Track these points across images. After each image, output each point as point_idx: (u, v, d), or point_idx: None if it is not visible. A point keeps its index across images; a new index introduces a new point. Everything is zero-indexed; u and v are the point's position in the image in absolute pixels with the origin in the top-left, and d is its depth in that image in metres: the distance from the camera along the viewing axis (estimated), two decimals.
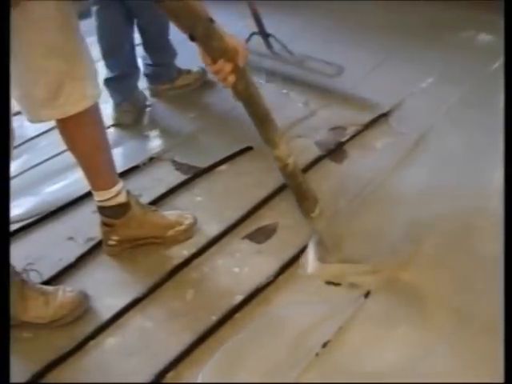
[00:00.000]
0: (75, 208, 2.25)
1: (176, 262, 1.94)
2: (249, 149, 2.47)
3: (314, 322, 1.69)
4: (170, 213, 2.08)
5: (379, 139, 2.46)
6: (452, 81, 2.79)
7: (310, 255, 1.90)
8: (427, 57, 3.03)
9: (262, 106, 1.66)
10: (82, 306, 1.79)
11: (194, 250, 1.97)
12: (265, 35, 3.13)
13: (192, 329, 1.70)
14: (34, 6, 1.52)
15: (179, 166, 2.41)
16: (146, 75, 2.95)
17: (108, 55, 2.70)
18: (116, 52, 2.70)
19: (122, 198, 1.94)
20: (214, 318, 1.72)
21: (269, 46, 3.13)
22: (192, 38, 1.46)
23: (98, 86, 1.80)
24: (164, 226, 2.02)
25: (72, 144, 1.84)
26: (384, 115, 2.59)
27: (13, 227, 2.10)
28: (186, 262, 1.94)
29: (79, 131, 1.80)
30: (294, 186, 1.80)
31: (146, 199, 2.19)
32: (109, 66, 2.71)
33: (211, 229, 2.06)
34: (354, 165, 2.35)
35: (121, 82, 2.73)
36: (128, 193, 1.97)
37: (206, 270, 1.91)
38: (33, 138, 2.72)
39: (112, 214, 1.95)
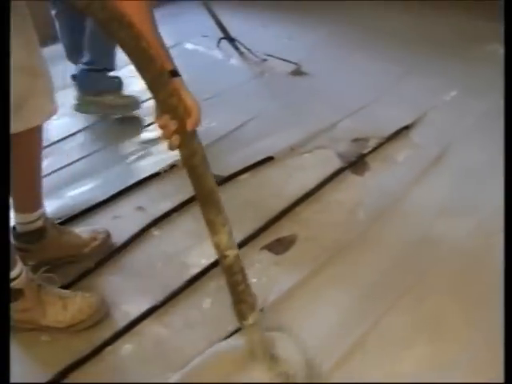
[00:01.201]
0: (95, 213, 2.26)
1: (194, 270, 1.94)
2: (270, 159, 2.48)
3: (328, 338, 1.68)
4: (83, 229, 2.08)
5: (401, 152, 2.46)
6: (475, 94, 2.79)
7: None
8: (451, 69, 3.03)
9: (208, 183, 1.45)
10: (101, 312, 1.80)
11: (212, 259, 1.97)
12: (230, 39, 3.43)
13: (208, 338, 1.70)
14: None
15: None
16: (74, 77, 2.87)
17: (71, 53, 2.81)
18: (79, 48, 2.76)
19: (40, 223, 1.93)
20: (230, 328, 1.73)
21: (236, 48, 3.43)
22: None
23: (55, 103, 1.78)
24: (80, 245, 2.02)
25: (17, 159, 1.75)
26: (406, 128, 2.58)
27: None
28: (204, 271, 1.94)
29: (28, 147, 1.79)
30: (230, 283, 1.53)
31: (165, 206, 2.20)
32: (74, 62, 2.82)
33: None
34: (375, 177, 2.35)
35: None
36: (45, 217, 1.96)
37: (223, 280, 1.91)
38: (56, 142, 2.75)
39: (29, 239, 1.94)
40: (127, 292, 1.90)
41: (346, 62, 3.21)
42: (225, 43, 3.47)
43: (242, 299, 1.52)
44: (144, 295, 1.86)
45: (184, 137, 1.32)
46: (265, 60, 3.30)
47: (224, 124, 2.73)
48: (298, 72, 3.15)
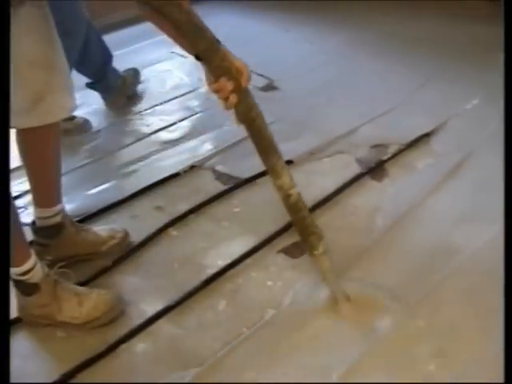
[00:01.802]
0: (114, 212, 2.28)
1: (211, 271, 1.95)
2: (289, 162, 2.48)
3: (337, 347, 1.68)
4: (102, 228, 2.10)
5: (420, 159, 2.44)
6: (497, 103, 2.76)
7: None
8: (472, 77, 3.01)
9: (266, 133, 1.61)
10: (116, 310, 1.82)
11: (228, 260, 1.98)
12: None
13: (222, 339, 1.71)
14: (19, 19, 1.55)
15: (219, 176, 2.44)
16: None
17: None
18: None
19: (59, 218, 1.96)
20: (245, 330, 1.73)
21: None
22: (198, 58, 1.48)
23: (75, 99, 1.81)
24: (97, 243, 2.04)
25: (34, 155, 1.85)
26: (426, 135, 2.57)
27: None
28: (221, 273, 1.95)
29: (44, 143, 1.83)
30: (296, 220, 1.69)
31: (183, 207, 2.22)
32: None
33: (247, 240, 2.07)
34: (394, 184, 2.33)
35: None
36: (64, 213, 1.99)
37: (239, 282, 1.92)
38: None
39: (47, 234, 1.96)
40: (143, 291, 1.91)
41: (366, 67, 3.20)
42: None
43: (310, 232, 1.69)
44: (160, 295, 1.88)
45: (240, 94, 1.50)
46: None
47: None
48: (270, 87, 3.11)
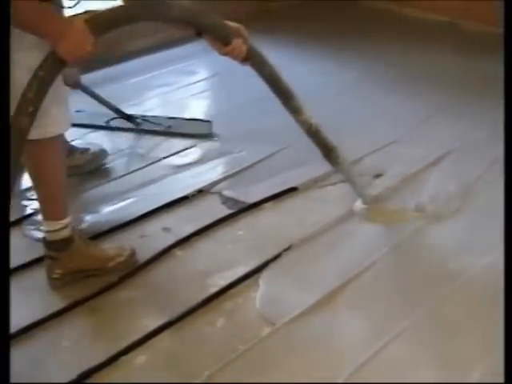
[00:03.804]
0: (124, 231, 2.37)
1: (212, 290, 2.03)
2: (294, 189, 2.57)
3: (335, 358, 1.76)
4: (109, 246, 2.19)
5: (422, 189, 2.53)
6: (501, 137, 2.83)
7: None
8: (479, 111, 3.10)
9: (283, 81, 2.09)
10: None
11: (230, 281, 2.07)
12: (127, 117, 3.11)
13: (219, 355, 1.79)
14: (26, 34, 1.65)
15: (226, 200, 2.52)
16: None
17: None
18: None
19: (67, 232, 2.04)
20: (241, 347, 1.81)
21: (135, 123, 3.10)
22: (199, 34, 1.89)
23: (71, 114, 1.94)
24: (105, 259, 2.12)
25: (39, 167, 1.94)
26: (429, 166, 2.66)
27: None
28: (222, 291, 2.03)
29: (49, 156, 1.92)
30: (319, 142, 2.20)
31: (190, 229, 2.31)
32: None
33: (249, 262, 2.16)
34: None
35: None
36: (73, 227, 2.07)
37: (239, 301, 2.00)
38: None
39: (57, 247, 2.04)
40: (146, 306, 2.00)
41: (376, 99, 3.30)
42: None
43: (330, 148, 2.21)
44: (162, 310, 1.96)
45: (249, 46, 1.95)
46: (170, 126, 3.07)
47: (254, 153, 2.83)
48: None
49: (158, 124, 3.10)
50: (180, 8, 1.79)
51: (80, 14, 1.75)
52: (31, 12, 1.59)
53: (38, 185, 2.00)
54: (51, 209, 2.01)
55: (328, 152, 2.22)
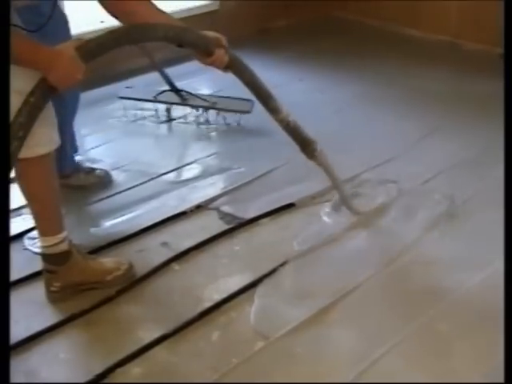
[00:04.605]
0: (123, 245, 2.40)
1: (207, 304, 2.07)
2: (291, 205, 2.61)
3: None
4: (108, 260, 2.23)
5: (416, 205, 2.58)
6: (497, 156, 2.86)
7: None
8: (476, 130, 3.15)
9: (262, 84, 2.15)
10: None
11: (225, 295, 2.10)
12: (176, 90, 3.35)
13: (213, 368, 1.83)
14: None
15: (223, 216, 2.56)
16: None
17: None
18: None
19: (65, 246, 2.07)
20: (235, 361, 1.85)
21: (182, 98, 3.35)
22: (180, 46, 1.96)
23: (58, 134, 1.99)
24: (103, 272, 2.15)
25: (30, 185, 1.98)
26: (423, 183, 2.71)
27: None
28: (217, 306, 2.07)
29: (39, 174, 1.96)
30: (297, 137, 2.27)
31: (187, 244, 2.35)
32: None
33: (244, 277, 2.20)
34: (391, 227, 2.47)
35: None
36: (70, 241, 2.10)
37: (233, 315, 2.04)
38: None
39: (55, 260, 2.07)
40: (143, 319, 2.04)
41: (373, 117, 3.35)
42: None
43: (308, 142, 2.28)
44: (157, 323, 2.00)
45: (229, 54, 2.01)
46: (215, 103, 3.31)
47: (251, 170, 2.88)
48: None
49: (204, 100, 3.33)
50: (164, 29, 1.88)
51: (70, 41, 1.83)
52: (19, 46, 1.63)
53: (30, 202, 2.04)
54: (46, 224, 2.05)
55: (305, 146, 2.29)
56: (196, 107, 3.33)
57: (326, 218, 2.53)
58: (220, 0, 4.31)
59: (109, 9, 1.93)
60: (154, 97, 3.36)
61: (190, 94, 3.35)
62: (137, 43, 2.11)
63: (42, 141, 1.89)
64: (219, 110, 3.30)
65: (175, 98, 3.35)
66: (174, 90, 3.34)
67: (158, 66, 3.32)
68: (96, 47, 1.80)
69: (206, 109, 3.31)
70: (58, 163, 2.11)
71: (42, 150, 1.92)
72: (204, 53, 1.98)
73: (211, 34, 1.99)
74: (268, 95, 2.19)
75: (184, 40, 1.94)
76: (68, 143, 2.66)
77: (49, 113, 1.91)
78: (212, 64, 2.01)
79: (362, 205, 2.56)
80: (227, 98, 3.32)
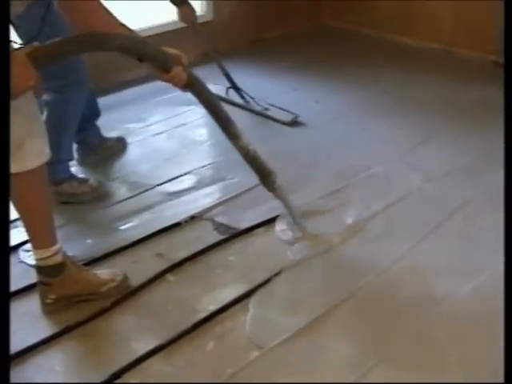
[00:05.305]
0: (118, 256, 2.41)
1: (202, 315, 2.08)
2: (277, 217, 2.62)
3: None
4: (102, 271, 2.23)
5: (408, 213, 2.60)
6: (490, 165, 2.89)
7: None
8: (471, 138, 3.19)
9: (220, 107, 2.13)
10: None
11: (219, 305, 2.11)
12: (236, 89, 3.63)
13: (208, 378, 1.84)
14: None
15: (218, 226, 2.57)
16: None
17: None
18: None
19: (59, 258, 2.08)
20: (230, 371, 1.86)
21: (241, 96, 3.62)
22: (140, 60, 1.88)
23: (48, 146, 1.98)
24: (98, 284, 2.16)
25: (21, 199, 1.98)
26: (415, 191, 2.73)
27: None
28: (211, 316, 2.08)
29: (30, 187, 1.96)
30: (256, 168, 2.26)
31: (182, 254, 2.36)
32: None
33: (239, 287, 2.21)
34: (383, 235, 2.48)
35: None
36: (64, 253, 2.11)
37: (228, 325, 2.05)
38: None
39: (49, 273, 2.08)
40: (138, 330, 2.05)
41: (368, 126, 3.37)
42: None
43: (267, 174, 2.27)
44: (153, 334, 2.01)
45: (188, 72, 1.95)
46: (267, 109, 3.52)
47: (245, 180, 2.88)
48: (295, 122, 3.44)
49: (259, 105, 3.57)
50: (121, 39, 1.80)
51: (22, 47, 1.76)
52: None
53: (22, 216, 2.04)
54: (38, 238, 2.06)
55: (265, 177, 2.28)
56: (250, 111, 3.56)
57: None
58: (213, 11, 4.33)
59: (63, 9, 1.83)
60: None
61: (249, 95, 3.60)
62: (91, 51, 1.94)
63: (32, 153, 1.90)
64: (266, 117, 3.50)
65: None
66: (235, 88, 3.62)
67: (220, 63, 3.60)
68: (48, 53, 1.74)
69: (257, 114, 3.53)
70: (50, 169, 2.14)
71: (32, 164, 1.92)
72: (162, 69, 1.90)
73: (172, 50, 1.93)
74: (228, 120, 2.15)
75: (142, 53, 1.86)
76: (63, 150, 2.68)
77: (36, 124, 1.92)
78: (170, 81, 1.93)
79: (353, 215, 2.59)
80: (279, 108, 3.52)
